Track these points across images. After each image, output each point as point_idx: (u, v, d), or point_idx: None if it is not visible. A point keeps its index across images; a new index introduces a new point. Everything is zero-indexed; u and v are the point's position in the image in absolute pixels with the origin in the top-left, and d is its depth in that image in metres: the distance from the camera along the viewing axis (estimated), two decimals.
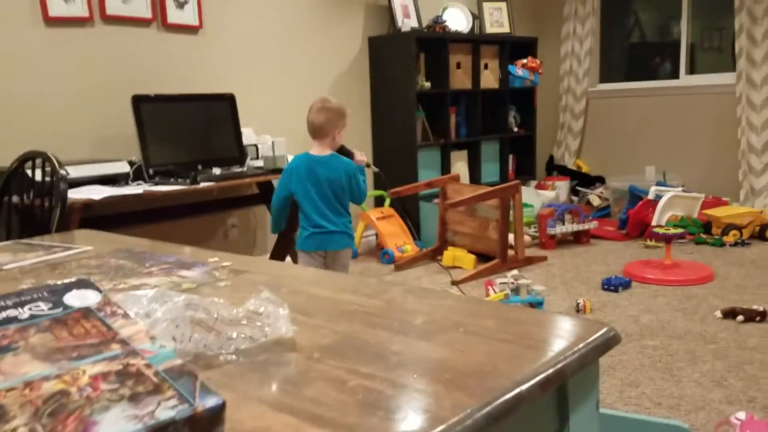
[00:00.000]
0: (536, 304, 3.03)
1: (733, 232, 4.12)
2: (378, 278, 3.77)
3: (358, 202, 2.84)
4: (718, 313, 2.84)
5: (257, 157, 3.53)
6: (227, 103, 3.43)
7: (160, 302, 0.65)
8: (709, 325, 2.75)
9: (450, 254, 3.96)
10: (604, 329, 0.79)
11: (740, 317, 2.76)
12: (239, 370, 0.68)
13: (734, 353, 2.44)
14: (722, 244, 4.11)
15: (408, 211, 4.47)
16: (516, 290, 3.09)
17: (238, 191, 3.73)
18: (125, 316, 0.54)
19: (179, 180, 2.90)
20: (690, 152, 5.09)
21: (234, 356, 0.71)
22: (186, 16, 3.45)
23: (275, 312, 0.73)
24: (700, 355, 2.43)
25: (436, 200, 4.38)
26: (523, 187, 4.49)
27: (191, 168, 3.08)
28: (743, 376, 2.24)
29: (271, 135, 3.68)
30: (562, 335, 0.78)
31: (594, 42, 5.52)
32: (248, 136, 3.60)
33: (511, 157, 5.31)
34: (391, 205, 4.43)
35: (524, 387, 0.65)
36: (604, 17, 5.59)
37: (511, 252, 3.88)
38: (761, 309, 2.77)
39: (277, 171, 3.33)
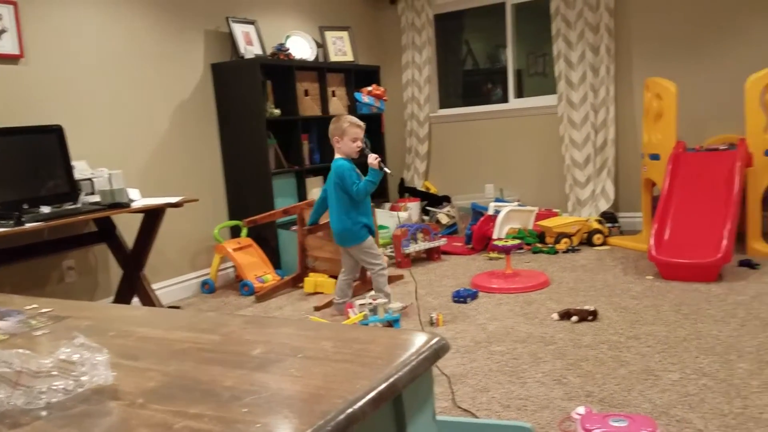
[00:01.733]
0: (393, 322, 3.10)
1: (564, 240, 4.52)
2: (218, 312, 3.66)
3: (354, 198, 3.19)
4: (555, 316, 3.08)
5: (93, 192, 3.28)
6: (55, 135, 3.16)
7: None
8: (548, 327, 2.98)
9: (312, 280, 3.94)
10: (434, 339, 0.83)
11: (574, 318, 3.02)
12: (51, 426, 0.62)
13: (571, 352, 2.66)
14: (555, 252, 4.48)
15: (266, 239, 4.39)
16: (374, 310, 3.14)
17: (74, 230, 3.45)
18: None
19: (1, 222, 2.62)
20: (523, 169, 5.53)
21: (45, 411, 0.64)
22: (4, 44, 3.15)
23: (92, 359, 0.68)
24: (542, 356, 2.62)
25: (294, 227, 4.35)
26: (378, 210, 4.61)
27: (15, 208, 2.79)
28: (580, 372, 2.44)
29: (109, 167, 3.45)
30: (395, 349, 0.80)
31: (432, 70, 5.85)
32: (82, 169, 3.34)
33: None
34: (248, 235, 4.33)
35: (357, 406, 0.66)
36: (440, 46, 5.94)
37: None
38: (592, 309, 3.05)
39: (117, 206, 3.13)
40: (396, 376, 0.73)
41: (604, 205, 5.01)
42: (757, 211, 3.93)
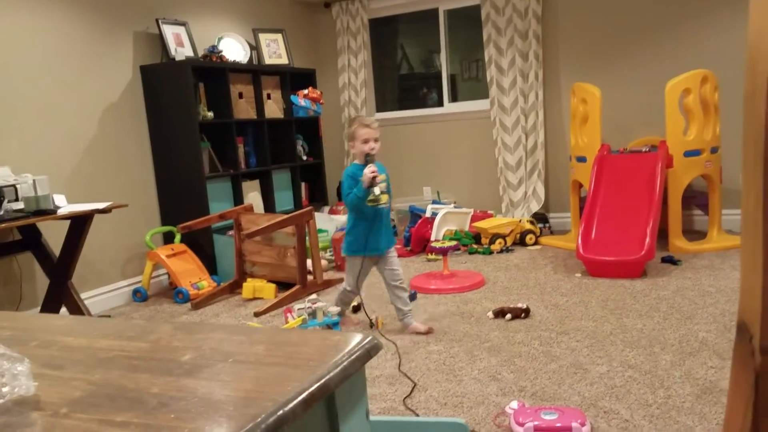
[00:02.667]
0: (332, 325, 3.11)
1: (498, 240, 4.64)
2: (146, 319, 3.57)
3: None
4: (490, 314, 3.16)
5: (17, 199, 3.14)
6: None
7: None
8: (483, 325, 3.05)
9: (250, 286, 3.89)
10: (366, 339, 0.84)
11: (508, 315, 3.10)
12: None
13: (505, 348, 2.73)
14: (491, 252, 4.60)
15: (202, 245, 4.30)
16: (313, 314, 3.13)
17: None
18: None
19: None
20: (458, 172, 5.64)
21: None
22: None
23: (12, 369, 0.66)
24: (477, 354, 2.68)
25: (230, 232, 4.29)
26: (316, 213, 4.60)
27: None
28: (513, 368, 2.51)
29: (34, 173, 3.31)
30: (327, 350, 0.81)
31: (368, 74, 5.88)
32: (5, 175, 3.19)
33: (303, 184, 5.41)
34: (182, 241, 4.23)
35: (288, 407, 0.66)
36: (375, 51, 5.99)
37: (310, 277, 3.94)
38: (525, 306, 3.14)
39: (42, 213, 3.00)
40: (328, 377, 0.74)
41: (535, 207, 5.17)
42: (678, 210, 4.15)
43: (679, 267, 3.83)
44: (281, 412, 0.65)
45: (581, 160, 4.44)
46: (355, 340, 0.84)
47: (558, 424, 1.92)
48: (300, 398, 0.68)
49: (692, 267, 3.81)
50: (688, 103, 4.08)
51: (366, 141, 2.87)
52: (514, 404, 2.12)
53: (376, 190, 2.78)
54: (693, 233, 4.55)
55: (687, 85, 4.06)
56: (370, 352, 0.83)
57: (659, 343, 2.65)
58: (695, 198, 4.49)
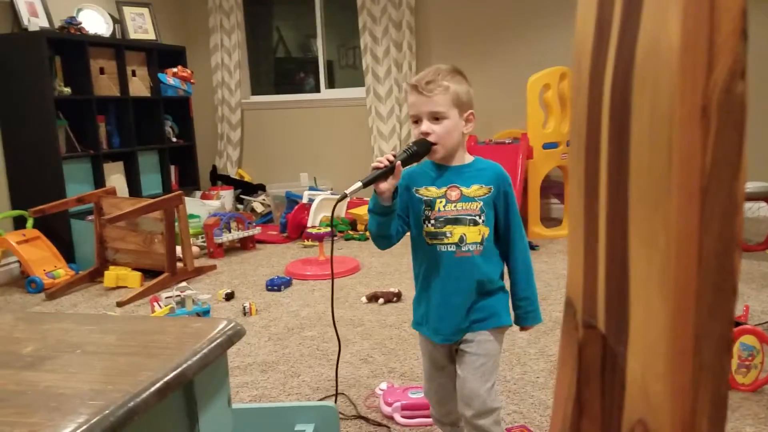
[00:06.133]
0: (202, 314, 3.02)
1: None
2: None
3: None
4: (364, 299, 3.22)
5: None
6: None
7: None
8: (357, 310, 3.10)
9: (112, 274, 3.67)
10: (229, 326, 0.83)
11: (381, 300, 3.18)
12: None
13: (377, 332, 2.80)
14: (366, 239, 4.67)
15: (57, 231, 3.99)
16: (182, 302, 3.02)
17: None
18: None
19: None
20: (335, 158, 5.66)
21: None
22: None
23: None
24: (350, 338, 2.73)
25: (90, 217, 4.01)
26: (187, 198, 4.41)
27: None
28: (384, 351, 2.58)
29: None
30: (185, 338, 0.79)
31: (242, 55, 5.71)
32: None
33: (173, 167, 5.17)
34: (35, 226, 3.89)
35: (139, 398, 0.64)
36: (250, 32, 5.83)
37: (180, 264, 3.78)
38: (397, 291, 3.23)
39: None
40: (186, 365, 0.72)
41: None
42: (537, 199, 4.44)
43: (537, 252, 4.12)
44: (132, 403, 0.63)
45: None
46: (217, 326, 0.83)
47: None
48: (154, 388, 0.66)
49: (548, 252, 4.11)
50: (548, 98, 4.36)
51: (416, 119, 1.51)
52: (384, 385, 2.18)
53: (356, 185, 1.48)
54: (550, 220, 4.91)
55: (547, 80, 4.33)
56: (232, 338, 0.82)
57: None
58: (552, 188, 4.83)
